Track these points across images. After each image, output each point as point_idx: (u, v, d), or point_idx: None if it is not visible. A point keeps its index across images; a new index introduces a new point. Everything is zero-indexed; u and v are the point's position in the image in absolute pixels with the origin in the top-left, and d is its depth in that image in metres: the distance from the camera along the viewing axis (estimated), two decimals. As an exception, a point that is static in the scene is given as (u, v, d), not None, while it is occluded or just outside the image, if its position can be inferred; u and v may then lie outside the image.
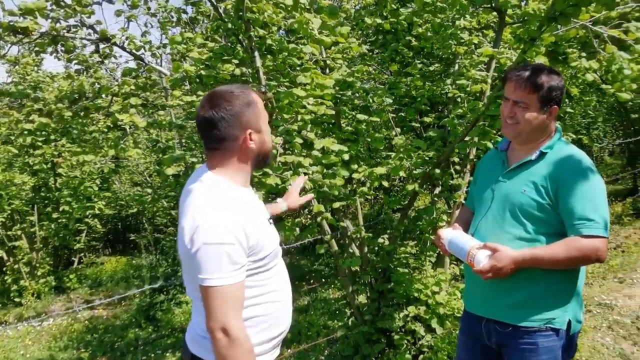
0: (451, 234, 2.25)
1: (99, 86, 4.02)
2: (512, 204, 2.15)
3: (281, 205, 2.45)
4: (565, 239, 2.01)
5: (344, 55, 4.74)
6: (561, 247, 2.00)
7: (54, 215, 9.96)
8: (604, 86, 4.38)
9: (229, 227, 1.64)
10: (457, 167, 4.75)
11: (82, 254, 11.69)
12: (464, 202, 4.85)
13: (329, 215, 4.02)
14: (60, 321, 7.51)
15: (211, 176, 1.80)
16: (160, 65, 4.89)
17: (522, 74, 2.16)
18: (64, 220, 9.83)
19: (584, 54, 4.81)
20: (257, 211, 1.88)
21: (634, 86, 4.13)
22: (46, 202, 10.28)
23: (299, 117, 3.68)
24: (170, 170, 3.61)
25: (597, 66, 4.18)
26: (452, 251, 2.24)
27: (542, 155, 2.17)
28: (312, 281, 7.84)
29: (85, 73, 4.45)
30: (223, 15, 3.94)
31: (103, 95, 3.89)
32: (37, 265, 9.89)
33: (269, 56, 3.90)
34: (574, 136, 4.61)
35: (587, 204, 2.00)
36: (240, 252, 1.67)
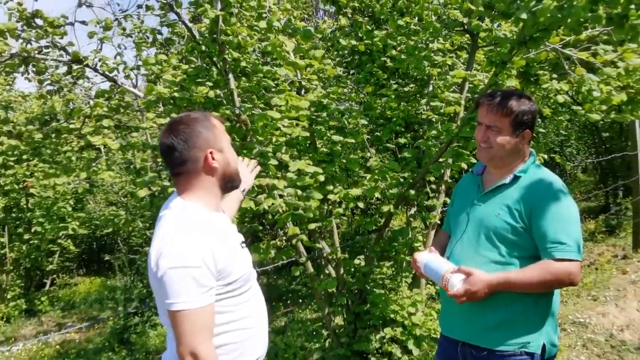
0: (426, 258, 2.25)
1: (71, 108, 3.97)
2: (487, 228, 2.16)
3: (238, 192, 2.38)
4: (538, 263, 2.03)
5: (320, 76, 4.76)
6: (534, 270, 2.01)
7: (26, 237, 9.74)
8: (574, 107, 4.47)
9: (194, 251, 1.64)
10: (433, 186, 4.78)
11: (55, 275, 11.44)
12: (439, 222, 4.91)
13: (304, 237, 4.00)
14: (30, 346, 7.30)
15: (179, 202, 1.81)
16: (136, 86, 4.85)
17: (493, 99, 2.19)
18: (35, 241, 9.63)
19: (555, 75, 4.91)
20: (227, 234, 1.88)
21: (604, 107, 4.23)
22: (17, 222, 10.06)
23: (274, 139, 3.67)
24: (142, 193, 3.56)
25: (567, 88, 4.26)
26: (427, 274, 2.24)
27: (515, 179, 2.19)
28: (289, 302, 7.78)
29: (57, 94, 4.39)
30: (197, 37, 3.93)
31: (75, 117, 3.83)
32: (7, 287, 9.65)
33: (243, 78, 3.90)
34: (545, 157, 4.67)
35: (559, 227, 2.02)
36: (207, 275, 1.65)
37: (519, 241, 2.10)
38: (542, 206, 2.07)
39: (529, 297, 2.09)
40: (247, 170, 2.49)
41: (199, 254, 1.64)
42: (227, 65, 3.68)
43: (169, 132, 1.79)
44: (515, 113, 2.15)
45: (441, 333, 2.43)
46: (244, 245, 1.98)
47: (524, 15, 2.79)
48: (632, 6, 2.75)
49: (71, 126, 3.93)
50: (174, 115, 3.51)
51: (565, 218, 2.05)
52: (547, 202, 2.07)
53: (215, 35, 3.55)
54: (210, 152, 1.79)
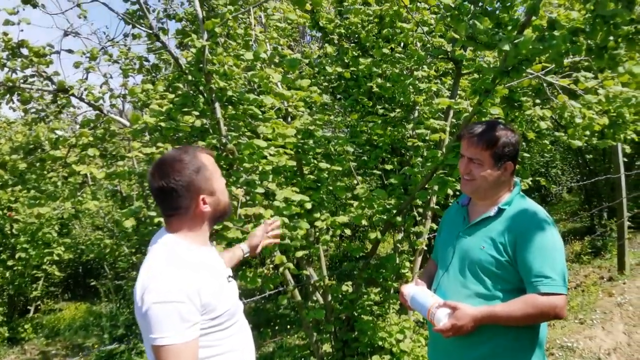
0: (413, 291, 2.25)
1: (55, 137, 3.95)
2: (472, 261, 2.17)
3: (242, 248, 2.43)
4: (523, 297, 2.03)
5: (307, 101, 4.79)
6: (519, 304, 2.01)
7: (10, 263, 9.59)
8: (557, 133, 4.53)
9: (179, 286, 1.64)
10: (420, 210, 4.80)
11: (39, 302, 11.24)
12: (425, 247, 4.92)
13: (291, 265, 3.99)
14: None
15: (168, 237, 1.83)
16: (122, 111, 4.85)
17: (474, 132, 2.22)
18: (20, 267, 9.48)
19: (538, 101, 4.99)
20: (214, 269, 1.88)
21: (587, 133, 4.30)
22: (1, 249, 9.91)
23: (260, 167, 3.67)
24: (128, 223, 3.54)
25: (550, 114, 4.32)
26: (414, 308, 2.24)
27: (500, 211, 2.20)
28: (277, 327, 7.70)
29: (42, 122, 4.38)
30: (184, 65, 3.95)
31: (60, 146, 3.82)
32: (-11, 315, 9.47)
33: (229, 107, 3.91)
34: (530, 182, 4.71)
35: (544, 260, 2.02)
36: (192, 311, 1.66)
37: (504, 274, 2.11)
38: (526, 238, 2.07)
39: (512, 330, 2.09)
40: (262, 231, 2.50)
41: (184, 289, 1.65)
42: (214, 94, 3.69)
43: (160, 175, 1.79)
44: (496, 146, 2.17)
45: None
46: (230, 279, 1.98)
47: (506, 47, 2.84)
48: (611, 37, 2.82)
49: (56, 155, 3.90)
50: (159, 144, 3.50)
51: (549, 250, 2.05)
52: (530, 234, 2.07)
53: (201, 65, 3.57)
54: (202, 199, 1.82)
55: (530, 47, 2.75)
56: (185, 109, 3.69)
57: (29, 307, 10.97)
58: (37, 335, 9.74)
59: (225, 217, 2.01)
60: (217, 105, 3.70)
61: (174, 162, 1.80)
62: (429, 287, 2.40)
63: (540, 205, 2.27)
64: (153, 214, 3.36)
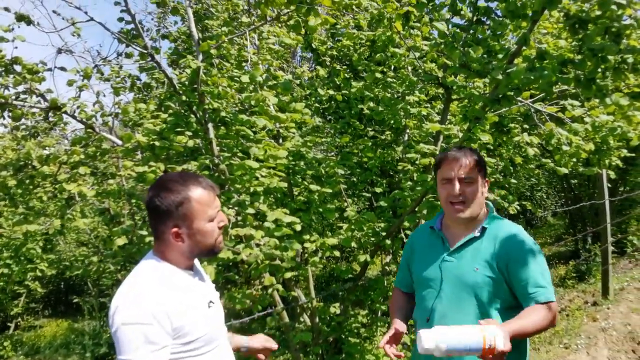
0: (443, 341, 1.83)
1: (46, 154, 3.94)
2: (466, 284, 2.17)
3: (242, 341, 2.31)
4: (529, 309, 2.05)
5: (298, 121, 4.82)
6: (532, 317, 2.01)
7: (-9, 279, 9.43)
8: (543, 160, 4.60)
9: (147, 307, 1.64)
10: (408, 232, 4.82)
11: (19, 318, 11.05)
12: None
13: (280, 286, 3.98)
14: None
15: (148, 259, 1.84)
16: (112, 129, 4.84)
17: (460, 153, 2.25)
18: (1, 283, 9.33)
19: (526, 126, 5.07)
20: (193, 294, 1.85)
21: (574, 160, 4.37)
22: (-17, 264, 9.74)
23: (252, 188, 3.68)
24: (120, 242, 3.53)
25: (537, 141, 4.39)
26: (451, 355, 1.86)
27: (483, 230, 2.24)
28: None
29: (33, 138, 4.35)
30: (177, 85, 3.97)
31: (50, 164, 3.80)
32: (-32, 332, 9.29)
33: (222, 127, 3.93)
34: (517, 206, 4.76)
35: (537, 272, 2.10)
36: (160, 333, 1.64)
37: (499, 293, 2.14)
38: (518, 255, 2.13)
39: (517, 352, 2.08)
40: (264, 342, 2.35)
41: (152, 311, 1.64)
42: (207, 115, 3.71)
43: (152, 192, 1.81)
44: (482, 163, 2.26)
45: None
46: (212, 304, 1.94)
47: (499, 76, 2.90)
48: (599, 69, 2.89)
49: (46, 172, 3.88)
50: (152, 164, 3.50)
51: (539, 262, 2.13)
52: (521, 250, 2.14)
53: (195, 85, 3.59)
54: (174, 232, 1.79)
55: (522, 77, 2.81)
56: (179, 129, 3.69)
57: (8, 324, 10.78)
58: (16, 353, 9.56)
59: (212, 255, 1.94)
60: (210, 125, 3.72)
61: (164, 186, 1.80)
62: (405, 322, 2.36)
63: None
64: (143, 233, 3.35)
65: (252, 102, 3.39)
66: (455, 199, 2.23)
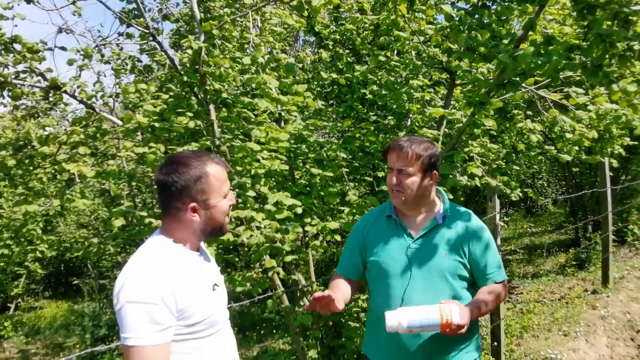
0: (405, 319, 2.04)
1: (46, 133, 3.91)
2: (437, 268, 2.26)
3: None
4: (486, 288, 2.31)
5: (299, 105, 4.79)
6: (488, 296, 2.27)
7: (-8, 259, 9.44)
8: (546, 147, 4.57)
9: (154, 287, 1.62)
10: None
11: (19, 299, 11.09)
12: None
13: (280, 269, 3.97)
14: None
15: (157, 238, 1.82)
16: (112, 110, 4.81)
17: (403, 144, 2.28)
18: (1, 264, 9.33)
19: (529, 113, 5.03)
20: (199, 275, 1.84)
21: (576, 148, 4.34)
22: (-17, 245, 9.74)
23: (253, 171, 3.66)
24: (118, 222, 3.52)
25: (540, 128, 4.36)
26: (413, 331, 2.09)
27: (444, 218, 2.35)
28: (262, 331, 7.67)
29: (32, 118, 4.33)
30: (178, 66, 3.93)
31: (50, 144, 3.77)
32: (-31, 312, 9.34)
33: (223, 109, 3.89)
34: (519, 194, 4.74)
35: (493, 256, 2.34)
36: (165, 313, 1.63)
37: (465, 275, 2.30)
38: (476, 241, 2.31)
39: (476, 327, 2.39)
40: None
41: (158, 291, 1.62)
42: (208, 96, 3.68)
43: (165, 172, 1.79)
44: (424, 156, 2.27)
45: None
46: (217, 287, 1.93)
47: (507, 60, 2.86)
48: (606, 55, 2.85)
49: (46, 152, 3.86)
50: (152, 145, 3.48)
51: (493, 247, 2.35)
52: (479, 236, 2.33)
53: (197, 66, 3.56)
54: (192, 207, 1.79)
55: (529, 61, 2.77)
56: (179, 110, 3.66)
57: (9, 305, 10.83)
58: (16, 333, 9.62)
59: (219, 235, 1.96)
60: (211, 107, 3.69)
61: (180, 162, 1.79)
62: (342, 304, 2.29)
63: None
64: (143, 214, 3.33)
65: (253, 85, 3.35)
66: (394, 188, 2.30)
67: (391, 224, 2.40)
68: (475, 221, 2.39)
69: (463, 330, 2.05)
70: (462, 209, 2.45)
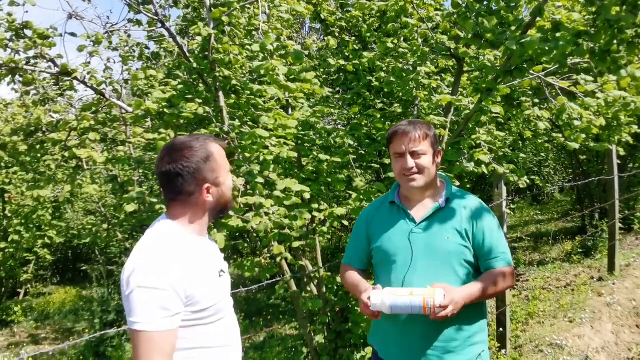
0: (388, 299, 2.09)
1: (56, 119, 3.95)
2: (439, 253, 2.24)
3: None
4: (491, 272, 2.24)
5: (306, 92, 4.80)
6: (492, 280, 2.21)
7: (2, 245, 9.53)
8: (554, 134, 4.57)
9: (164, 273, 1.64)
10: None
11: (29, 285, 11.21)
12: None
13: (288, 255, 4.01)
14: (2, 358, 7.15)
15: (165, 223, 1.83)
16: (120, 97, 4.84)
17: (408, 127, 2.29)
18: (11, 250, 9.43)
19: (537, 100, 5.03)
20: (206, 261, 1.86)
21: (583, 136, 4.34)
22: (-6, 231, 9.85)
23: (261, 157, 3.69)
24: (130, 208, 3.55)
25: (548, 115, 4.36)
26: (396, 312, 2.12)
27: (447, 201, 2.32)
28: (269, 317, 7.74)
29: (42, 104, 4.36)
30: (187, 54, 3.95)
31: (60, 130, 3.81)
32: (-21, 297, 9.45)
33: (232, 95, 3.92)
34: (526, 181, 4.75)
35: (499, 240, 2.29)
36: (174, 300, 1.65)
37: (469, 259, 2.25)
38: (482, 224, 2.27)
39: (478, 311, 2.30)
40: None
41: (168, 277, 1.64)
42: (218, 83, 3.70)
43: (169, 161, 1.79)
44: (430, 135, 2.31)
45: None
46: (223, 273, 1.95)
47: (513, 46, 2.87)
48: (615, 41, 2.85)
49: (56, 138, 3.90)
50: (162, 131, 3.51)
51: (498, 232, 2.30)
52: (484, 220, 2.28)
53: (207, 53, 3.57)
54: (207, 188, 1.81)
55: (537, 47, 2.77)
56: (188, 97, 3.69)
57: (18, 290, 10.94)
58: (26, 318, 9.73)
59: (225, 213, 1.99)
60: (220, 93, 3.71)
61: (183, 147, 1.80)
62: None
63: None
64: (154, 200, 3.37)
65: (262, 72, 3.37)
66: (408, 172, 2.27)
67: (394, 210, 2.40)
68: (480, 205, 2.34)
69: (448, 312, 2.02)
70: (467, 193, 2.42)
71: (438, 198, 2.34)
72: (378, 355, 2.42)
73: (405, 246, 2.29)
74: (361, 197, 4.10)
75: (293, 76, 3.74)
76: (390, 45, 4.56)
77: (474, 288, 2.16)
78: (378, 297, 2.09)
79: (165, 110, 3.57)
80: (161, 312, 1.61)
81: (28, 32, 3.79)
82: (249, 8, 4.46)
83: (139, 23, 4.40)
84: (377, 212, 2.49)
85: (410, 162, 2.25)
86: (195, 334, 1.76)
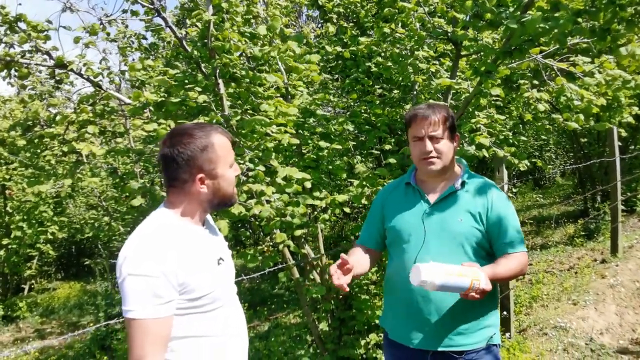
0: (441, 278, 1.97)
1: (54, 113, 3.93)
2: (451, 234, 2.25)
3: None
4: (509, 256, 2.24)
5: (305, 81, 4.77)
6: (511, 263, 2.23)
7: (4, 241, 9.54)
8: (554, 116, 4.55)
9: (156, 260, 1.63)
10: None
11: (33, 280, 11.24)
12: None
13: (291, 243, 4.00)
14: (8, 354, 7.17)
15: (160, 211, 1.82)
16: (119, 89, 4.82)
17: (427, 111, 2.29)
18: (14, 246, 9.44)
19: (536, 82, 4.99)
20: (203, 249, 1.84)
21: (582, 117, 4.31)
22: (-3, 227, 9.85)
23: (262, 145, 3.67)
24: (137, 202, 3.54)
25: (547, 97, 4.33)
26: (440, 291, 2.04)
27: (463, 184, 2.33)
28: (273, 306, 7.75)
29: (39, 98, 4.34)
30: (185, 42, 3.92)
31: (59, 123, 3.79)
32: (-16, 293, 9.48)
33: (232, 83, 3.89)
34: (527, 164, 4.73)
35: (514, 225, 2.29)
36: (166, 286, 1.63)
37: (481, 242, 2.26)
38: (497, 209, 2.27)
39: (493, 296, 2.30)
40: None
41: (161, 264, 1.63)
42: (217, 71, 3.67)
43: (168, 145, 1.78)
44: (450, 119, 2.31)
45: (396, 344, 2.37)
46: (222, 261, 1.92)
47: (514, 25, 2.84)
48: (615, 19, 2.83)
49: (54, 132, 3.88)
50: (162, 121, 3.49)
51: (512, 217, 2.30)
52: (499, 204, 2.29)
53: (205, 40, 3.55)
54: (200, 178, 1.79)
55: (537, 26, 2.75)
56: (188, 85, 3.66)
57: (22, 286, 10.98)
58: (31, 313, 9.76)
59: (225, 207, 1.97)
60: (220, 81, 3.68)
61: (184, 133, 1.79)
62: (359, 269, 2.34)
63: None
64: (157, 189, 3.36)
65: (273, 54, 3.34)
66: (427, 156, 2.28)
67: (409, 191, 2.42)
68: (495, 190, 2.34)
69: (480, 296, 2.02)
70: (484, 178, 2.42)
71: (454, 181, 2.35)
72: (389, 337, 2.43)
73: (418, 226, 2.31)
74: (363, 182, 4.09)
75: (297, 60, 3.72)
76: (387, 30, 4.53)
77: (493, 270, 2.15)
78: (430, 274, 1.96)
79: (172, 98, 3.54)
80: (153, 300, 1.61)
81: (22, 25, 3.77)
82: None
83: (135, 13, 4.36)
84: (392, 193, 2.53)
85: (429, 146, 2.26)
86: (192, 322, 1.75)
